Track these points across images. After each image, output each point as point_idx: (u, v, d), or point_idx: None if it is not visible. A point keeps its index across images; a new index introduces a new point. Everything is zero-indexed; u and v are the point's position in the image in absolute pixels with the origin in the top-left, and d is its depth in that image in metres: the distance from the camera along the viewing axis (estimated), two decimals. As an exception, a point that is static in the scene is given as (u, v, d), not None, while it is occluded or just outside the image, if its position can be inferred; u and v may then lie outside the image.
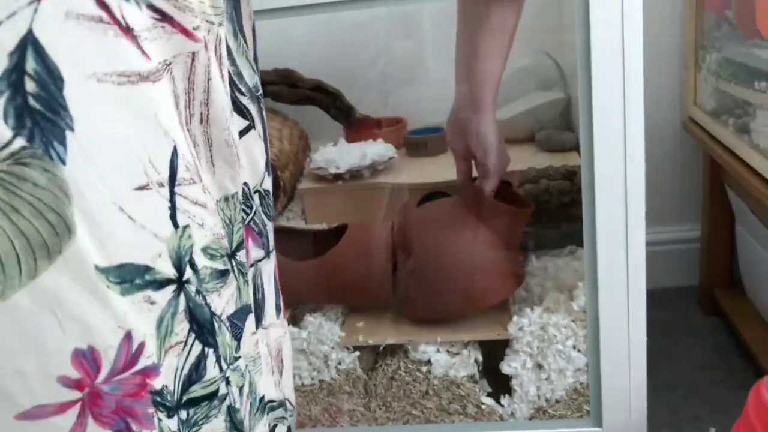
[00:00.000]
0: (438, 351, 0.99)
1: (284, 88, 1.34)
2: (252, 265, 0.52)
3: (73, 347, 0.38)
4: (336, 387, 1.02)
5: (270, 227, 0.56)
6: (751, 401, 0.70)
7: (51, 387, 0.38)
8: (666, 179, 1.46)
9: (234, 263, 0.47)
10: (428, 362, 1.00)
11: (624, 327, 0.91)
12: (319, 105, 1.34)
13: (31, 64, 0.35)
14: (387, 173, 1.26)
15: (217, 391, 0.45)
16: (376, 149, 1.25)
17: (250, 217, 0.51)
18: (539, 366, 0.97)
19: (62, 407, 0.38)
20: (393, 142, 1.30)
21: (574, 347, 0.95)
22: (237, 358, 0.48)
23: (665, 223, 1.49)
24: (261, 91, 0.54)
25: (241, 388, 0.48)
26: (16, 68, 0.35)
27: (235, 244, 0.47)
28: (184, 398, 0.43)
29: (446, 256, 0.96)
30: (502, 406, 1.00)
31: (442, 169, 1.26)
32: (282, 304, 0.60)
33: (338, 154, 1.24)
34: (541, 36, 1.33)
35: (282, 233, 1.12)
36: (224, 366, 0.46)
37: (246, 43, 0.51)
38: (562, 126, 1.27)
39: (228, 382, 0.46)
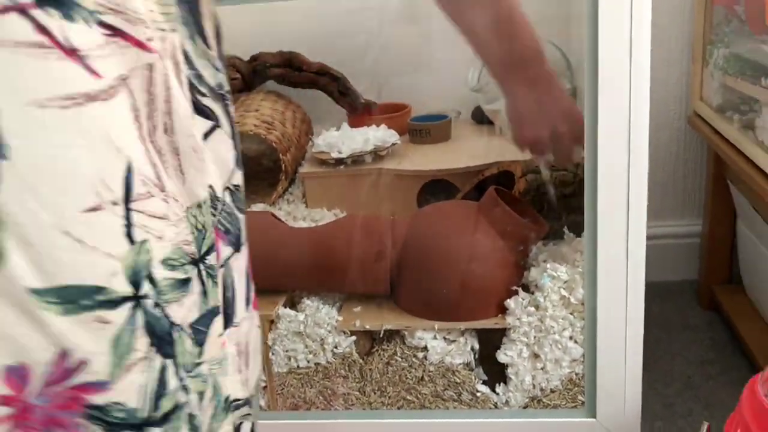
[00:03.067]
0: (435, 338, 1.00)
1: (288, 71, 1.34)
2: (222, 266, 0.52)
3: (4, 364, 0.39)
4: (331, 370, 1.03)
5: (242, 221, 0.55)
6: (745, 397, 0.71)
7: None
8: (669, 173, 1.46)
9: (202, 267, 0.47)
10: (424, 349, 1.00)
11: (622, 319, 0.91)
12: (323, 89, 1.33)
13: None
14: (389, 159, 1.26)
15: (178, 401, 0.46)
16: (379, 135, 1.25)
17: (215, 218, 0.51)
18: (535, 355, 0.97)
19: None
20: (396, 129, 1.29)
21: (570, 338, 0.95)
22: (198, 365, 0.48)
23: (667, 217, 1.48)
24: (227, 88, 0.54)
25: (202, 393, 0.48)
26: None
27: (205, 249, 0.48)
28: (158, 414, 0.44)
29: (452, 262, 0.96)
30: (497, 394, 1.00)
31: (444, 157, 1.26)
32: (252, 295, 0.60)
33: (341, 139, 1.24)
34: (549, 26, 1.32)
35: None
36: (182, 375, 0.46)
37: (206, 43, 0.51)
38: (567, 117, 1.27)
39: (186, 390, 0.46)
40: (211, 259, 0.48)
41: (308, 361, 1.03)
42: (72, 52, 0.38)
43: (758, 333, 1.20)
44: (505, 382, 1.00)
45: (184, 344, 0.46)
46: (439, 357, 0.99)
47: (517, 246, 0.98)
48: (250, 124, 1.22)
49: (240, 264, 0.56)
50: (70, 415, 0.41)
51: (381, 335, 1.02)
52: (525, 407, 1.00)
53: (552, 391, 0.98)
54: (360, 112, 1.33)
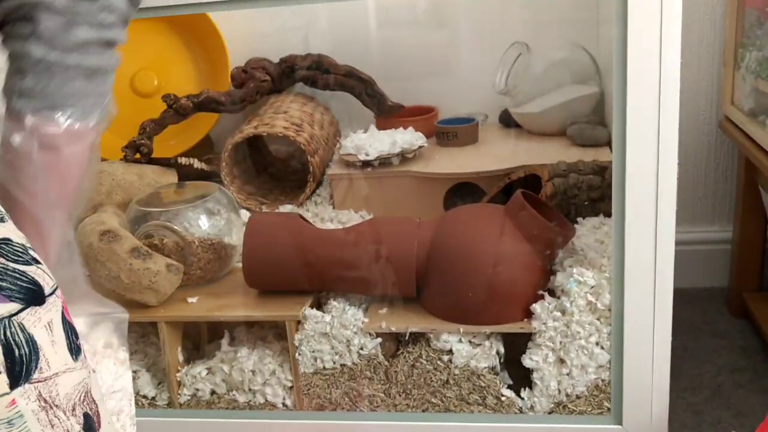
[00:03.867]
0: (460, 341, 1.00)
1: (317, 74, 1.34)
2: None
3: None
4: (357, 372, 1.03)
5: (30, 271, 0.52)
6: (776, 406, 0.70)
7: None
8: (699, 178, 1.44)
9: None
10: (450, 352, 1.00)
11: (649, 325, 0.90)
12: (351, 91, 1.34)
13: None
14: (416, 162, 1.26)
15: None
16: (406, 137, 1.25)
17: None
18: (561, 361, 0.97)
19: None
20: (423, 131, 1.30)
21: (597, 344, 0.95)
22: None
23: (696, 222, 1.47)
24: None
25: None
26: None
27: None
28: None
29: (478, 265, 0.96)
30: (522, 399, 1.00)
31: (471, 160, 1.26)
32: (79, 344, 0.56)
33: (368, 141, 1.24)
34: (577, 29, 1.32)
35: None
36: None
37: None
38: (595, 121, 1.26)
39: None
40: None
41: (334, 362, 1.03)
42: None
43: (790, 341, 1.18)
44: (531, 387, 0.99)
45: None
46: (464, 360, 0.99)
47: (543, 250, 0.97)
48: (279, 126, 1.23)
49: (48, 316, 0.53)
50: None
51: (406, 337, 1.02)
52: (550, 413, 0.99)
53: (578, 397, 0.98)
54: (387, 115, 1.34)
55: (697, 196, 1.45)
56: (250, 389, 1.07)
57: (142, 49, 1.37)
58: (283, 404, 1.07)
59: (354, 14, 1.36)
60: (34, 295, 0.52)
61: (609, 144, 1.08)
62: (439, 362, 1.00)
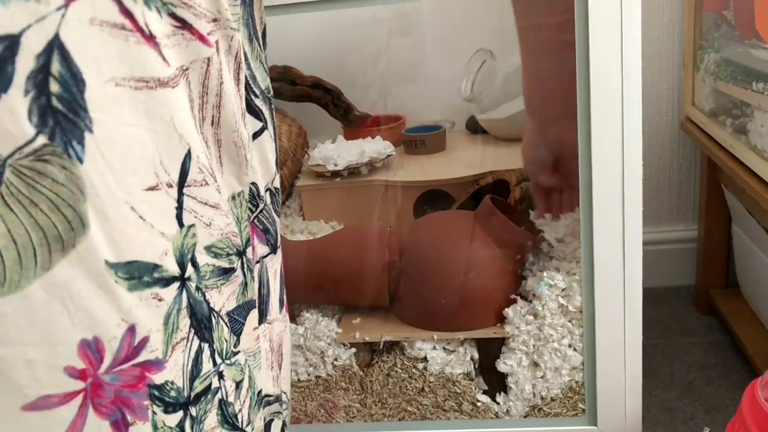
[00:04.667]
0: (434, 348, 1.00)
1: (283, 85, 1.34)
2: (258, 262, 0.53)
3: (80, 338, 0.39)
4: (332, 383, 1.02)
5: (278, 224, 0.57)
6: (746, 401, 0.71)
7: (57, 377, 0.38)
8: (663, 179, 1.47)
9: (244, 260, 0.48)
10: (424, 359, 1.00)
11: (620, 326, 0.91)
12: (318, 102, 1.34)
13: (56, 67, 0.36)
14: (385, 170, 1.26)
15: (210, 385, 0.46)
16: (374, 146, 1.25)
17: (254, 215, 0.52)
18: (535, 364, 0.97)
19: (66, 397, 0.39)
20: (391, 140, 1.30)
21: (570, 346, 0.96)
22: (236, 353, 0.48)
23: (662, 222, 1.49)
24: (272, 92, 0.56)
25: (239, 383, 0.49)
26: (42, 69, 0.36)
27: (243, 242, 0.49)
28: (192, 394, 0.44)
29: (450, 272, 0.96)
30: (498, 403, 1.00)
31: (439, 167, 1.26)
32: (285, 298, 0.61)
33: (336, 151, 1.24)
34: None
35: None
36: (218, 360, 0.47)
37: (260, 46, 0.53)
38: (561, 125, 1.27)
39: (222, 377, 0.47)
40: (248, 253, 0.49)
41: (309, 374, 1.03)
42: (150, 38, 0.40)
43: (757, 336, 1.20)
44: (506, 392, 1.00)
45: (222, 331, 0.47)
46: (439, 367, 0.99)
47: (513, 254, 0.98)
48: (245, 139, 1.22)
49: (275, 266, 0.57)
50: (136, 395, 0.41)
51: (381, 347, 1.02)
52: (526, 416, 0.99)
53: (552, 400, 0.98)
54: (355, 125, 1.34)
55: (662, 197, 1.48)
56: (224, 405, 1.06)
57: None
58: (259, 419, 1.06)
59: (319, 24, 1.36)
60: (276, 244, 0.56)
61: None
62: (414, 370, 1.00)
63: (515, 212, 1.02)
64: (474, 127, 1.38)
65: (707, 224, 1.34)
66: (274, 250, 0.56)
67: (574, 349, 0.96)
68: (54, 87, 0.36)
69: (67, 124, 0.37)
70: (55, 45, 0.36)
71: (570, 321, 0.95)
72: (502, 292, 0.98)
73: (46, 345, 0.38)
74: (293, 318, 1.05)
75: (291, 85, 1.33)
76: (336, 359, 1.01)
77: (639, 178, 0.85)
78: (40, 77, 0.36)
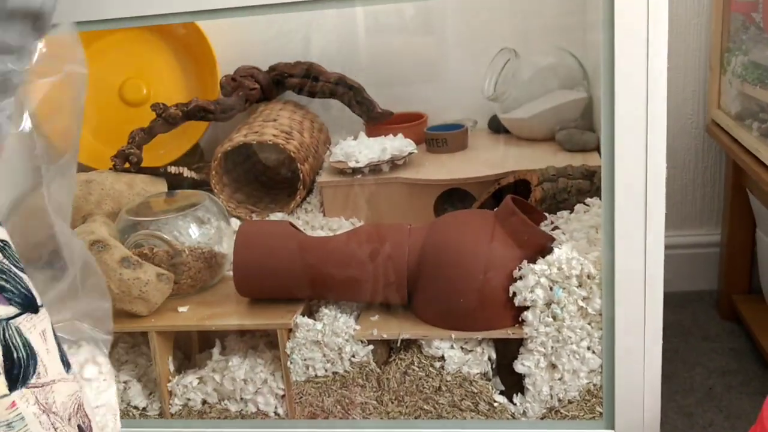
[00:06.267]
0: (452, 347, 1.00)
1: (306, 81, 1.35)
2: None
3: None
4: (349, 379, 1.03)
5: (26, 280, 0.52)
6: (767, 408, 0.70)
7: None
8: (688, 182, 1.45)
9: None
10: (442, 358, 1.00)
11: (640, 329, 0.91)
12: (341, 99, 1.34)
13: None
14: (406, 168, 1.26)
15: None
16: (396, 144, 1.25)
17: None
18: (553, 366, 0.97)
19: None
20: (413, 138, 1.30)
21: (588, 348, 0.95)
22: None
23: (685, 226, 1.48)
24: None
25: None
26: None
27: None
28: None
29: (469, 271, 0.96)
30: (515, 404, 1.00)
31: (461, 166, 1.26)
32: (68, 359, 0.56)
33: (358, 148, 1.24)
34: (565, 35, 1.32)
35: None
36: None
37: None
38: (584, 126, 1.27)
39: None
40: None
41: (326, 370, 1.03)
42: None
43: (779, 343, 1.18)
44: (523, 393, 0.99)
45: None
46: (456, 367, 0.99)
47: (534, 255, 0.97)
48: (269, 134, 1.23)
49: (42, 326, 0.53)
50: None
51: (398, 344, 1.02)
52: (542, 418, 0.99)
53: (570, 402, 0.98)
54: (377, 122, 1.34)
55: (686, 200, 1.46)
56: (241, 398, 1.07)
57: (130, 58, 1.37)
58: (275, 413, 1.07)
59: (343, 21, 1.37)
60: (30, 302, 0.52)
61: (597, 149, 1.09)
62: (431, 369, 1.00)
63: (536, 212, 1.01)
64: (496, 127, 1.38)
65: (731, 229, 1.33)
66: (28, 309, 0.51)
67: (593, 352, 0.95)
68: None
69: None
70: None
71: (589, 323, 0.95)
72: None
73: None
74: (311, 314, 1.05)
75: (315, 82, 1.34)
76: (353, 356, 1.02)
77: (662, 181, 0.85)
78: None
